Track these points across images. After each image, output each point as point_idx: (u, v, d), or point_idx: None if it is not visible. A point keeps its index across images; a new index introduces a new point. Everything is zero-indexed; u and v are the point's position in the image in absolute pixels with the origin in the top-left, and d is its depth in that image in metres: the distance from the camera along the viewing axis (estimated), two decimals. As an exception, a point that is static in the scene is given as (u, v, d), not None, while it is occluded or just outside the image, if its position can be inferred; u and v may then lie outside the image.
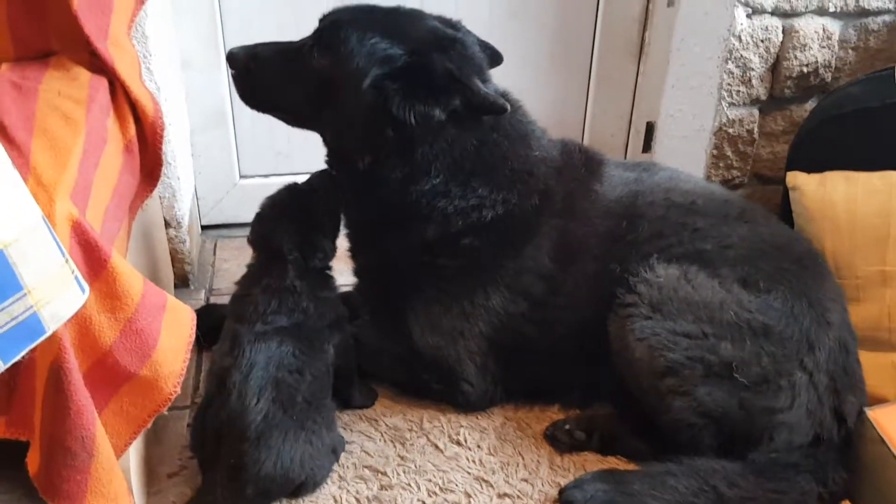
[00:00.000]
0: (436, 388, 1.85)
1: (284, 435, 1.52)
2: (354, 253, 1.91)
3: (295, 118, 1.86)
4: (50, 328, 0.96)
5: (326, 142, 1.82)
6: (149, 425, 1.37)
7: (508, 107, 1.65)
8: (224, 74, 2.37)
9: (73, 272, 0.98)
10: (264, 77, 1.78)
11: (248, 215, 2.62)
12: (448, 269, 1.76)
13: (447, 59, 1.64)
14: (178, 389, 1.36)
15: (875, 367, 1.79)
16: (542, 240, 1.76)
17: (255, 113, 2.52)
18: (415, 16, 1.76)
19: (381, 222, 1.80)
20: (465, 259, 1.75)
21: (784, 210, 2.08)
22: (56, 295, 0.95)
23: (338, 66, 1.67)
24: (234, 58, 1.77)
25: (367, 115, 1.65)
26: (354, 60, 1.64)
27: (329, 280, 1.79)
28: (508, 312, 1.77)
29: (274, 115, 1.88)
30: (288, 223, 1.73)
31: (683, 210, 1.79)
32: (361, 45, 1.65)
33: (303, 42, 1.75)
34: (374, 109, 1.64)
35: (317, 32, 1.74)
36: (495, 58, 1.87)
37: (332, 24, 1.72)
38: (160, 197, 2.09)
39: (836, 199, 1.91)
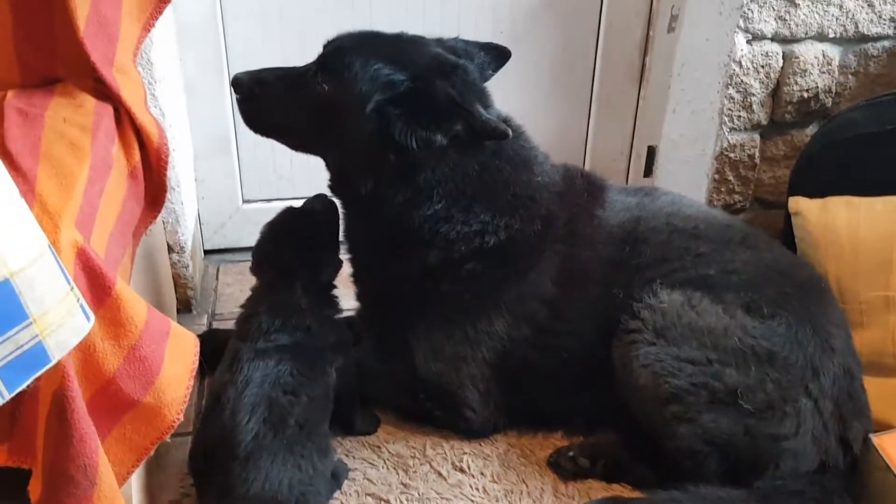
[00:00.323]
0: (438, 414, 1.84)
1: (273, 457, 1.51)
2: (356, 278, 1.91)
3: (298, 143, 1.86)
4: (55, 357, 0.95)
5: (329, 166, 1.83)
6: (151, 453, 1.36)
7: (510, 132, 1.65)
8: (228, 100, 2.38)
9: (78, 300, 0.98)
10: (268, 102, 1.79)
11: (251, 240, 2.62)
12: (451, 294, 1.76)
13: (449, 85, 1.64)
14: (181, 417, 1.35)
15: (880, 393, 1.78)
16: (545, 265, 1.76)
17: (258, 138, 2.52)
18: (418, 42, 1.77)
19: (383, 247, 1.80)
20: (468, 285, 1.75)
21: (787, 235, 2.08)
22: (61, 323, 0.95)
23: (341, 91, 1.68)
24: (238, 83, 1.78)
25: (370, 139, 1.66)
26: (357, 86, 1.65)
27: (333, 300, 1.79)
28: (512, 338, 1.76)
29: (277, 140, 1.89)
30: (290, 242, 1.74)
31: (686, 235, 1.79)
32: (364, 71, 1.65)
33: (307, 67, 1.76)
34: (376, 134, 1.65)
35: (321, 58, 1.76)
36: (502, 55, 1.89)
37: (335, 49, 1.74)
38: (164, 222, 2.09)
39: (839, 224, 1.92)
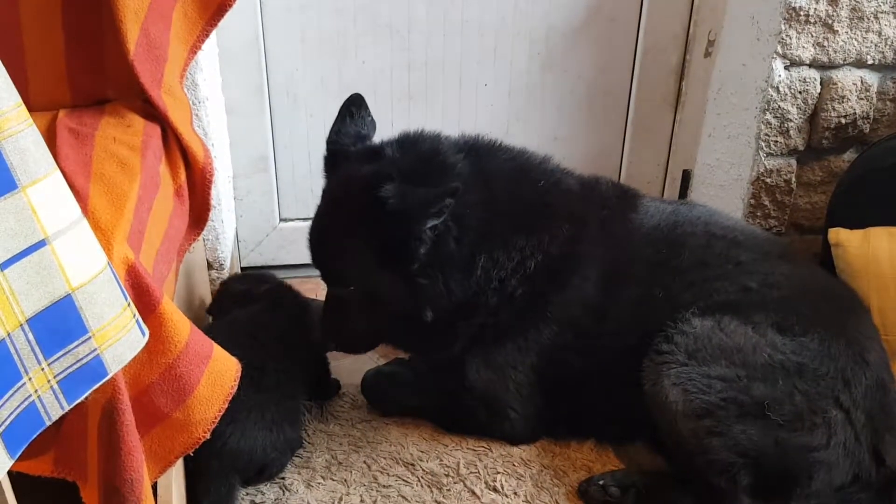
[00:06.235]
0: (481, 417, 1.88)
1: (249, 414, 1.61)
2: (413, 349, 2.01)
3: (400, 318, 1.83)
4: (112, 370, 0.98)
5: (435, 313, 1.79)
6: (175, 464, 1.38)
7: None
8: (267, 120, 2.42)
9: (134, 315, 1.01)
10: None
11: (287, 258, 2.66)
12: (506, 319, 1.82)
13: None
14: (208, 435, 1.36)
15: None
16: (587, 270, 1.81)
17: (296, 157, 2.57)
18: (349, 180, 1.76)
19: (452, 317, 1.83)
20: (521, 306, 1.81)
21: (824, 264, 2.06)
22: (118, 338, 0.97)
23: (397, 262, 1.71)
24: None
25: (441, 252, 1.72)
26: (420, 223, 1.65)
27: None
28: (556, 345, 1.81)
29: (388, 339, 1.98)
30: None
31: (726, 242, 1.83)
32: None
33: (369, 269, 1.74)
34: (444, 245, 1.72)
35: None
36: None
37: (398, 215, 1.66)
38: (204, 239, 2.13)
39: (881, 255, 1.91)
